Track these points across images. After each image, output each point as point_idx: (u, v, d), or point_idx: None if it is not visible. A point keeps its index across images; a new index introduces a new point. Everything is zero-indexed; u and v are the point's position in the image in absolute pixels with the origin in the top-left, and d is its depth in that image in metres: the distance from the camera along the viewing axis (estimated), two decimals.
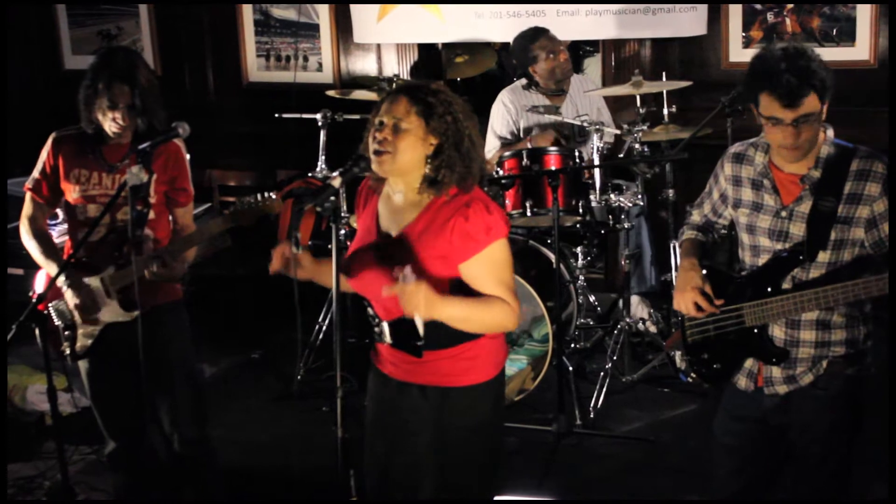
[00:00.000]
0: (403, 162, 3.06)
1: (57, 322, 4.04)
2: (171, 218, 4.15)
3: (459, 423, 3.17)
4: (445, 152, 3.05)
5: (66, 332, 4.03)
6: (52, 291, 3.99)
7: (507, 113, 6.02)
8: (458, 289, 3.06)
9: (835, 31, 6.08)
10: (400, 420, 3.25)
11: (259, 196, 3.88)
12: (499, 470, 3.36)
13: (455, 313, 3.00)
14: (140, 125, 3.95)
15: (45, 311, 3.98)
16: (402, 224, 3.14)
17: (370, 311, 3.24)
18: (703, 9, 6.25)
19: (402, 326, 3.08)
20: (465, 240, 3.02)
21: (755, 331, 3.27)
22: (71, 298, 3.95)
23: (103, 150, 4.01)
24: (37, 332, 3.79)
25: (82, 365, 4.14)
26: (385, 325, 3.19)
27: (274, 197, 3.88)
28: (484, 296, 3.06)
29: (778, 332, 3.25)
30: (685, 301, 3.36)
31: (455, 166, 3.06)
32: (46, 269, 4.05)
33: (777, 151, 3.18)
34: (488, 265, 3.06)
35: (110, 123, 3.90)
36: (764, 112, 3.09)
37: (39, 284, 4.12)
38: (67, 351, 4.04)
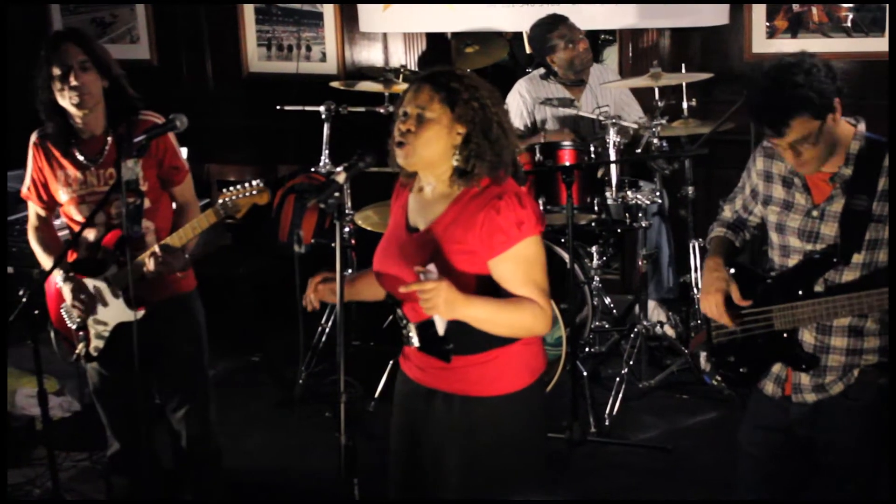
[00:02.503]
0: (429, 154, 3.03)
1: (70, 324, 4.06)
2: (172, 200, 4.18)
3: (489, 434, 3.11)
4: (474, 140, 3.02)
5: (80, 333, 4.06)
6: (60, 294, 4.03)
7: (523, 104, 6.02)
8: (487, 287, 3.02)
9: (863, 19, 6.06)
10: (427, 428, 3.21)
11: (248, 185, 3.88)
12: (533, 487, 3.25)
13: (479, 314, 2.94)
14: (104, 89, 3.97)
15: (36, 312, 4.01)
16: (430, 218, 3.12)
17: (398, 311, 3.23)
18: None
19: (431, 329, 3.03)
20: (494, 234, 2.97)
21: (784, 335, 3.24)
22: (67, 297, 3.98)
23: (80, 146, 4.03)
24: (52, 335, 3.83)
25: (91, 364, 4.16)
26: (412, 327, 3.15)
27: (262, 186, 3.88)
28: (513, 296, 3.00)
29: (808, 338, 3.22)
30: (709, 304, 3.34)
31: (485, 155, 3.02)
32: (55, 276, 4.07)
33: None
34: (518, 263, 3.00)
35: (70, 95, 3.90)
36: (765, 137, 3.14)
37: (51, 286, 4.14)
38: (83, 353, 4.07)
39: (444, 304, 2.84)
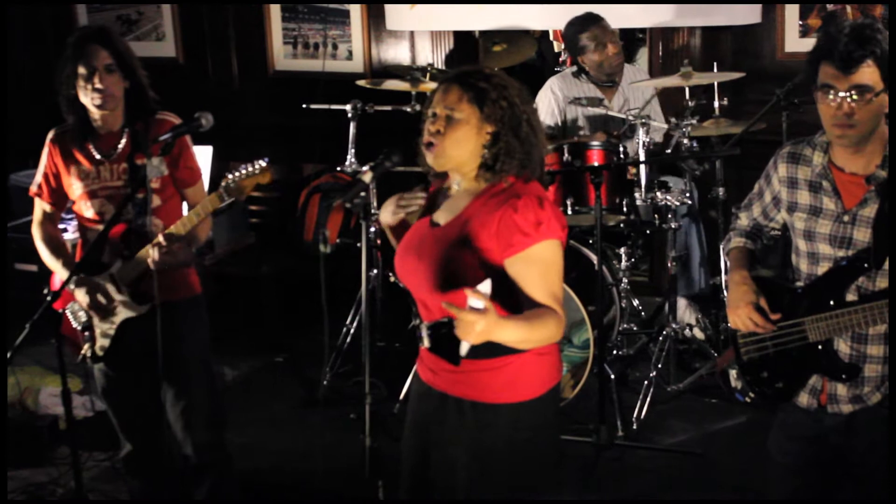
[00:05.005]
0: (458, 154, 3.04)
1: (75, 325, 4.08)
2: (182, 200, 4.18)
3: (498, 442, 3.09)
4: (503, 139, 3.02)
5: (85, 334, 4.07)
6: (68, 294, 4.04)
7: (553, 101, 6.02)
8: (499, 284, 2.96)
9: None
10: (436, 433, 3.20)
11: (249, 166, 3.86)
12: (542, 498, 3.23)
13: (511, 337, 2.87)
14: (125, 89, 3.99)
15: (61, 312, 4.04)
16: (452, 214, 3.12)
17: (413, 308, 3.23)
18: None
19: (442, 330, 3.01)
20: (511, 232, 2.96)
21: (819, 346, 3.18)
22: (82, 298, 3.99)
23: (96, 141, 4.05)
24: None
25: (97, 364, 4.18)
26: (424, 327, 3.11)
27: (264, 165, 3.86)
28: (536, 309, 2.94)
29: (843, 348, 3.16)
30: (740, 318, 3.27)
31: (514, 153, 3.03)
32: (58, 274, 4.10)
33: (832, 137, 3.08)
34: (534, 265, 2.97)
35: (91, 95, 3.93)
36: (819, 82, 3.01)
37: (57, 283, 4.16)
38: (89, 354, 4.09)
39: (478, 337, 2.73)
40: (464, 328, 2.70)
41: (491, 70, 3.12)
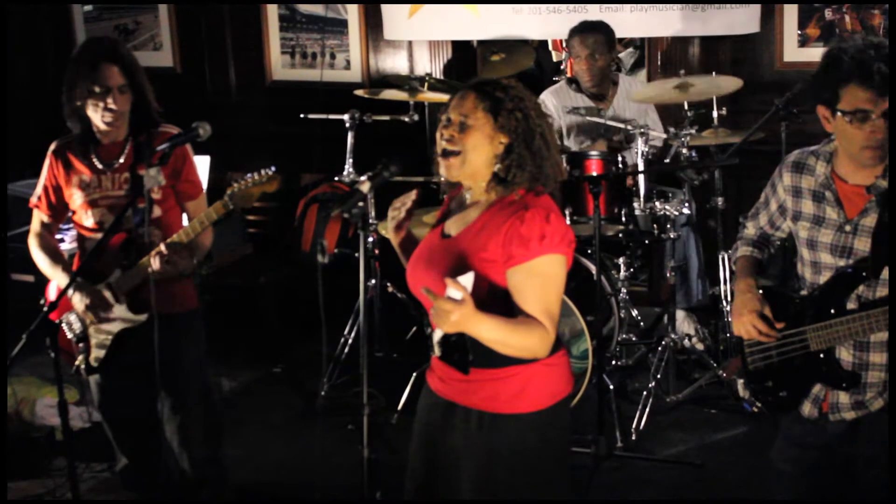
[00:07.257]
0: (471, 163, 3.05)
1: (69, 335, 4.07)
2: (182, 212, 4.19)
3: (504, 453, 3.08)
4: (515, 151, 3.03)
5: (80, 345, 4.06)
6: (63, 304, 4.03)
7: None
8: (501, 296, 2.99)
9: None
10: (444, 443, 3.19)
11: (256, 174, 3.84)
12: None
13: (487, 334, 2.87)
14: (131, 111, 4.00)
15: (57, 322, 4.03)
16: (463, 225, 3.13)
17: (424, 319, 3.23)
18: (756, 5, 6.22)
19: (452, 338, 3.01)
20: (515, 243, 2.96)
21: (821, 355, 3.19)
22: (79, 303, 3.98)
23: (99, 151, 4.06)
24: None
25: (93, 377, 4.17)
26: (435, 335, 3.11)
27: (272, 173, 3.85)
28: (522, 316, 2.95)
29: (846, 356, 3.17)
30: (744, 326, 3.29)
31: (526, 165, 3.04)
32: (56, 282, 4.09)
33: (863, 159, 3.07)
34: (533, 278, 2.97)
35: (102, 113, 3.94)
36: (849, 106, 2.99)
37: (52, 294, 4.16)
38: (83, 365, 4.07)
39: (452, 326, 2.76)
40: (438, 316, 2.74)
41: (509, 82, 3.13)
